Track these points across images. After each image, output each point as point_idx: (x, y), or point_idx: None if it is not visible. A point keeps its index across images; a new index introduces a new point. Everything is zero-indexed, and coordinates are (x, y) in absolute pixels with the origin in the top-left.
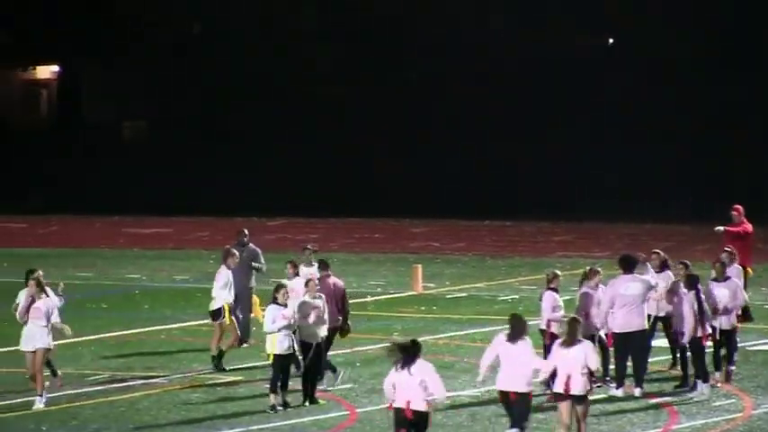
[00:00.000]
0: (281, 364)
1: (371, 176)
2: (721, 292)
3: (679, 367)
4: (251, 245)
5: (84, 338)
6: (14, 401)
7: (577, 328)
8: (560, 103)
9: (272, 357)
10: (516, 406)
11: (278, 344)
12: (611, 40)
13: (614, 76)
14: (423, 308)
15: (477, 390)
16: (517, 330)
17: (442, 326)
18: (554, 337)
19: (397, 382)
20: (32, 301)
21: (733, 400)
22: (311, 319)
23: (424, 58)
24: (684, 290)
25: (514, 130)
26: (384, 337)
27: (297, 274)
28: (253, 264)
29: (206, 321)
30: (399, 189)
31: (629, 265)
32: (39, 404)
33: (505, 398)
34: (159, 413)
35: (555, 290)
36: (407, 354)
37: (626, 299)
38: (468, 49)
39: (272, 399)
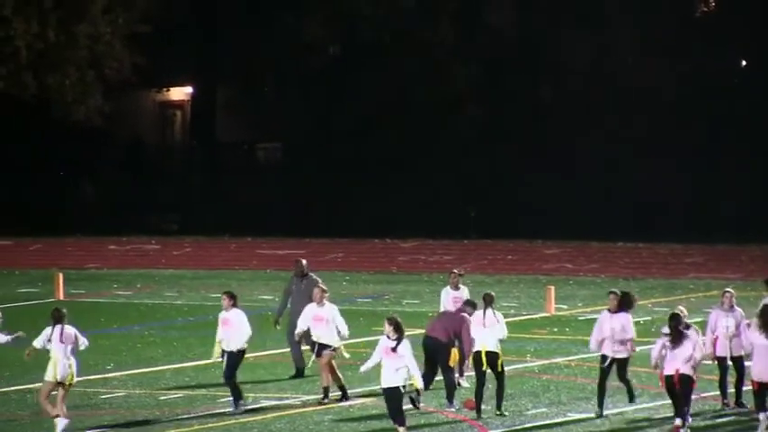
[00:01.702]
0: (387, 396)
1: (505, 197)
2: None
3: None
4: (311, 275)
5: (217, 360)
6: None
7: None
8: (694, 124)
9: None
10: None
11: (382, 376)
12: (743, 62)
13: (746, 99)
14: (555, 329)
15: (609, 410)
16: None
17: (574, 347)
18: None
19: (669, 353)
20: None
21: None
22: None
23: (562, 76)
24: None
25: (648, 153)
26: (517, 359)
27: (234, 306)
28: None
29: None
30: (532, 210)
31: None
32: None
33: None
34: None
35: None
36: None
37: None
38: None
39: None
